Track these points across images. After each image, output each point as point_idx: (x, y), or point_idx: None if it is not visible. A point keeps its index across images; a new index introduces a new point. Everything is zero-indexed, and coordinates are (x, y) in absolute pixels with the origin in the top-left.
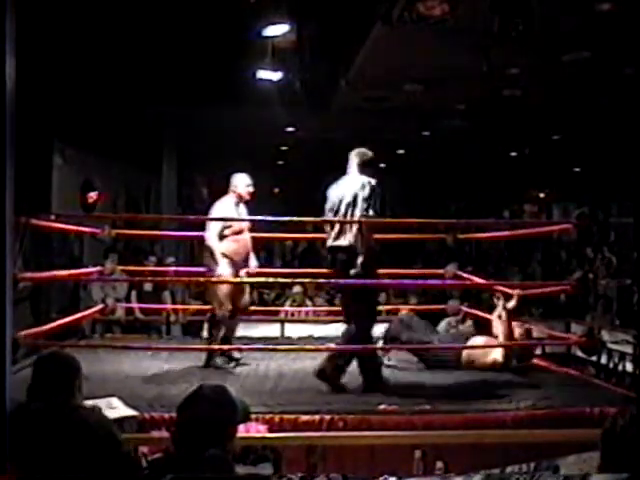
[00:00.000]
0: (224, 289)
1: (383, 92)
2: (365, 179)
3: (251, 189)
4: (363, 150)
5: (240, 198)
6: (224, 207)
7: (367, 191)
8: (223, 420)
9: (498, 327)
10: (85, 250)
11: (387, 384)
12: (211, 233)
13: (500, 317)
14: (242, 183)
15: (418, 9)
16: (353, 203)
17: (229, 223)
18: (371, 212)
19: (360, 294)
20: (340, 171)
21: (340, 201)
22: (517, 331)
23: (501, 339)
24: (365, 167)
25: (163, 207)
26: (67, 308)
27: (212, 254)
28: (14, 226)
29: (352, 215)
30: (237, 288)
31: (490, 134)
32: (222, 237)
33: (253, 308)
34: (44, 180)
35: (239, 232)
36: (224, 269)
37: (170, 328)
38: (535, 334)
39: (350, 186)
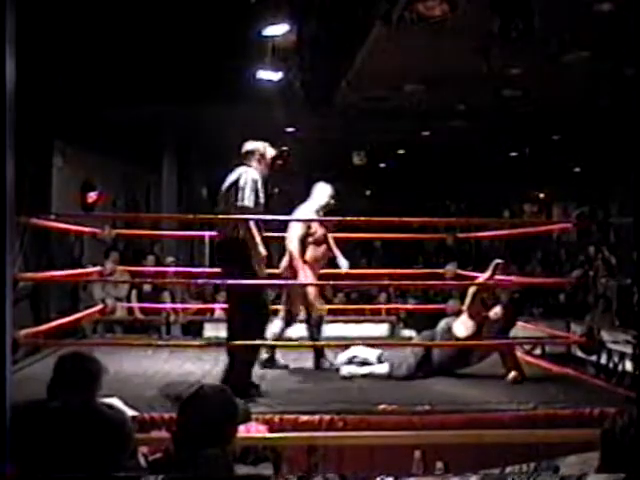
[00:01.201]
0: (313, 291)
1: (383, 92)
2: (242, 169)
3: (332, 201)
4: (249, 142)
5: (321, 207)
6: (305, 214)
7: (241, 181)
8: (223, 420)
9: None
10: (85, 250)
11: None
12: (292, 237)
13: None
14: (324, 192)
15: (418, 9)
16: (234, 193)
17: (312, 231)
18: (239, 203)
19: (241, 294)
20: (338, 171)
21: (222, 193)
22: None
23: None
24: (246, 158)
25: (163, 207)
26: (67, 308)
27: (292, 258)
28: (14, 226)
29: (232, 206)
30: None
31: (490, 134)
32: (304, 244)
33: None
34: (44, 180)
35: (320, 240)
36: (307, 274)
37: (170, 328)
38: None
39: (231, 178)
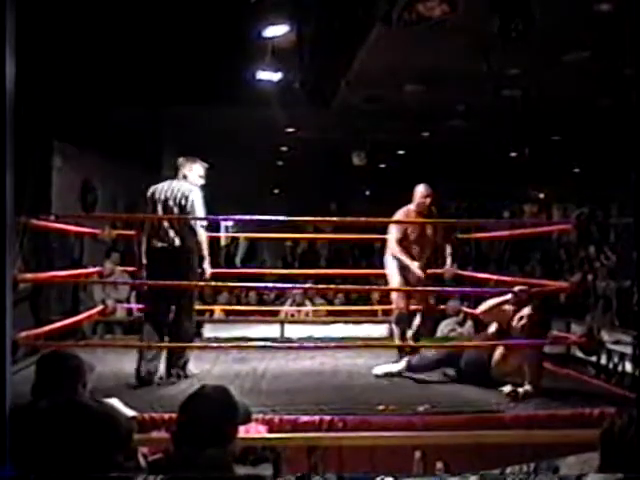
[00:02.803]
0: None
1: (383, 92)
2: (186, 188)
3: (427, 200)
4: (181, 158)
5: (416, 207)
6: (400, 215)
7: (196, 206)
8: (224, 420)
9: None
10: (85, 251)
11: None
12: (391, 237)
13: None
14: (418, 193)
15: (418, 9)
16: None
17: (409, 232)
18: (198, 229)
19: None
20: (338, 171)
21: (166, 206)
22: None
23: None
24: (181, 171)
25: None
26: (67, 309)
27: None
28: (14, 226)
29: (187, 228)
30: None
31: (490, 134)
32: (401, 243)
33: (252, 308)
34: (44, 180)
35: (414, 241)
36: (392, 269)
37: None
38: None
39: (177, 193)
